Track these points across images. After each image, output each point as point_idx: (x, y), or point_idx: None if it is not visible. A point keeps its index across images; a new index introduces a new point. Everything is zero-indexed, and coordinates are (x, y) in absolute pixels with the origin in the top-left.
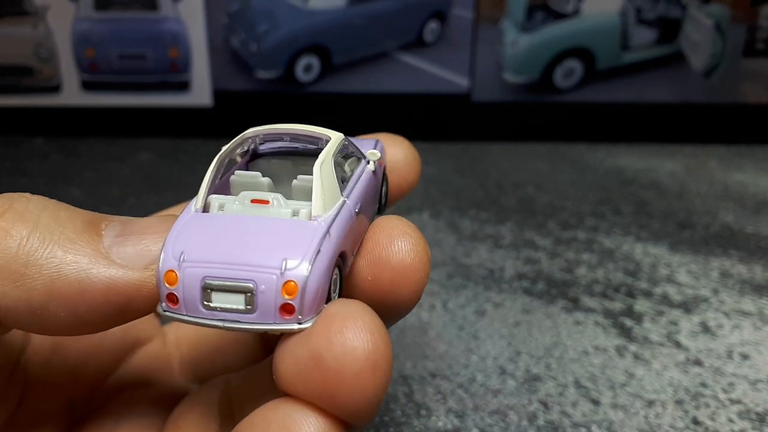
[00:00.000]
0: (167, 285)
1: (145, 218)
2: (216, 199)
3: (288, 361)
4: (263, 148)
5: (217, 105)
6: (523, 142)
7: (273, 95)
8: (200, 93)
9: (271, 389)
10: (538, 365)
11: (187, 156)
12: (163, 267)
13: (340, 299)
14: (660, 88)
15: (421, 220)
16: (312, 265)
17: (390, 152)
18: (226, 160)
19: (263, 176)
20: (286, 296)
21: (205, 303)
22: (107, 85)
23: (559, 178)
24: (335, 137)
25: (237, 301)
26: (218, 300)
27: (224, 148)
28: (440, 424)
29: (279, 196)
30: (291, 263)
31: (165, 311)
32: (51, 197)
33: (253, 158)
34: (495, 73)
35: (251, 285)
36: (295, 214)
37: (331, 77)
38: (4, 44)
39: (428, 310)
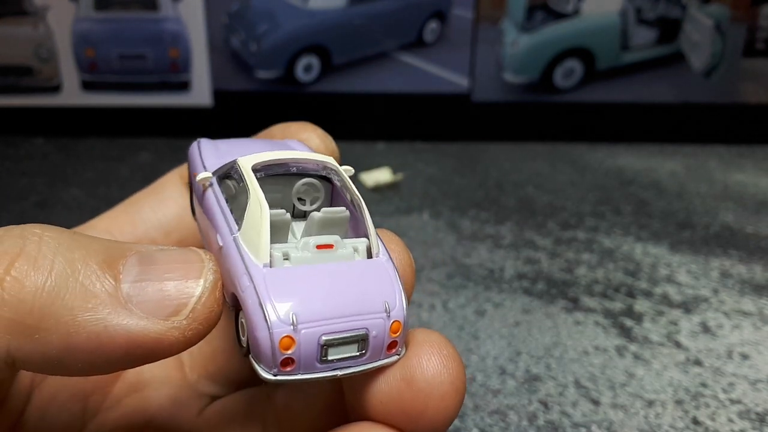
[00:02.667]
0: (284, 351)
1: (165, 253)
2: (277, 249)
3: (381, 383)
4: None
5: (217, 105)
6: (523, 142)
7: (273, 95)
8: (200, 93)
9: (324, 409)
10: (538, 365)
11: (187, 156)
12: (276, 334)
13: (419, 329)
14: (660, 88)
15: (421, 220)
16: (405, 301)
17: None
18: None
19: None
20: (393, 335)
21: (322, 359)
22: (107, 85)
23: (559, 178)
24: (334, 163)
25: (351, 350)
26: (334, 353)
27: (257, 189)
28: None
29: (337, 238)
30: (392, 304)
31: (276, 376)
32: (51, 197)
33: (221, 180)
34: (495, 73)
35: (365, 332)
36: (355, 251)
37: (331, 77)
38: (4, 44)
39: (428, 310)
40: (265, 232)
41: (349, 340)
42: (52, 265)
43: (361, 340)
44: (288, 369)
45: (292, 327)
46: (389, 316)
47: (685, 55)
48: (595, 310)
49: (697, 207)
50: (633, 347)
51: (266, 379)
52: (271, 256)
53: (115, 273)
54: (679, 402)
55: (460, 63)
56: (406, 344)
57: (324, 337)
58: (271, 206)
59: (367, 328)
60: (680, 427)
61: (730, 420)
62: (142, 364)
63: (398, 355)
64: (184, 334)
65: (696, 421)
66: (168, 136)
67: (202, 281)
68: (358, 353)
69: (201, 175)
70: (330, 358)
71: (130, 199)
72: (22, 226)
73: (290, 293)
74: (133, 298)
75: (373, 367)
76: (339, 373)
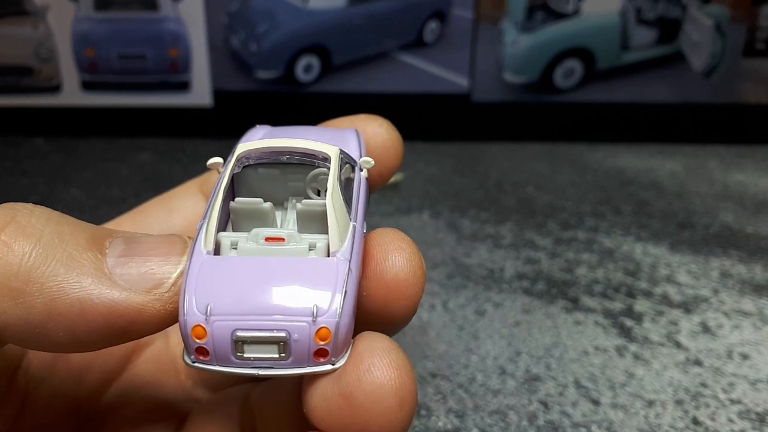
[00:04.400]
0: (196, 340)
1: (150, 237)
2: (226, 237)
3: (318, 398)
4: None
5: (217, 105)
6: (523, 142)
7: (273, 95)
8: (200, 93)
9: (297, 410)
10: (538, 365)
11: (187, 156)
12: (188, 322)
13: (366, 333)
14: (660, 88)
15: (421, 220)
16: (342, 307)
17: (368, 135)
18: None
19: (265, 201)
20: (320, 342)
21: (238, 354)
22: (107, 85)
23: (559, 178)
24: (333, 155)
25: (270, 351)
26: (251, 351)
27: (224, 177)
28: (440, 424)
29: (293, 232)
30: (321, 308)
31: (194, 362)
32: (51, 197)
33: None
34: (495, 73)
35: (284, 335)
36: (311, 248)
37: (331, 77)
38: (4, 44)
39: (428, 310)
40: (213, 219)
41: (265, 340)
42: (41, 234)
43: (281, 343)
44: (203, 358)
45: (205, 317)
46: (315, 321)
47: (685, 55)
48: (595, 310)
49: (697, 207)
50: (633, 347)
51: (186, 363)
52: (220, 245)
53: (101, 248)
54: (679, 402)
55: (460, 63)
56: (348, 351)
57: (238, 333)
58: (293, 195)
59: (287, 331)
60: (680, 427)
61: (730, 420)
62: (125, 340)
63: (332, 364)
64: (165, 306)
65: (696, 421)
66: (168, 136)
67: (184, 258)
68: (278, 356)
69: (211, 161)
70: (247, 355)
71: (139, 207)
72: (14, 202)
73: (216, 283)
74: (116, 270)
75: (299, 374)
76: (258, 372)
